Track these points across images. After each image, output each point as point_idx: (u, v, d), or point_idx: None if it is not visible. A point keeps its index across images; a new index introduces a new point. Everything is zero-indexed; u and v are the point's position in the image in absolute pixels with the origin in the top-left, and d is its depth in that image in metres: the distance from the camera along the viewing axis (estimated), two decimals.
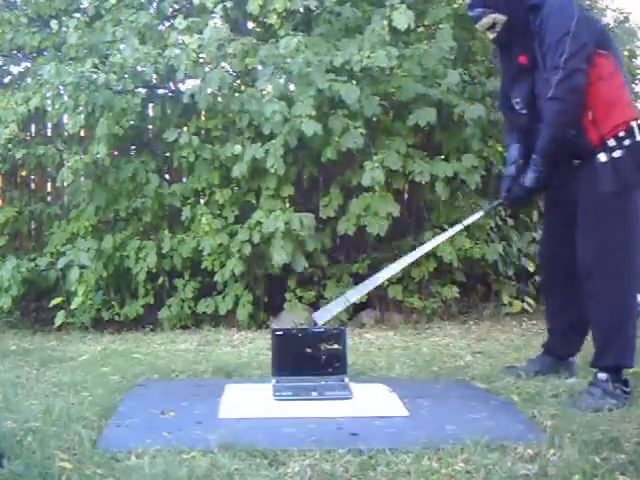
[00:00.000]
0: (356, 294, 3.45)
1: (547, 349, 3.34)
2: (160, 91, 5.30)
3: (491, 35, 3.06)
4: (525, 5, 2.94)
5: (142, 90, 5.05)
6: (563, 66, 2.78)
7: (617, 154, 2.82)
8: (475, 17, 3.04)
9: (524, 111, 3.06)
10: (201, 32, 4.59)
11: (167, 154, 5.18)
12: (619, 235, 2.86)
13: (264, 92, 4.66)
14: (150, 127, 5.35)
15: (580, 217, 2.95)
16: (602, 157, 2.84)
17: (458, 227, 3.49)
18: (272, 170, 4.59)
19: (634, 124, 2.84)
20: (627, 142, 2.82)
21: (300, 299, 4.97)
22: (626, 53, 5.70)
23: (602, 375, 2.83)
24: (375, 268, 5.14)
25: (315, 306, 5.03)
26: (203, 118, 5.06)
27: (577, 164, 2.96)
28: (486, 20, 3.00)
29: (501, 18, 2.98)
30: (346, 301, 3.34)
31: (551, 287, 3.33)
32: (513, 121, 3.18)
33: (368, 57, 4.44)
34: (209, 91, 4.68)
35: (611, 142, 2.83)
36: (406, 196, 5.32)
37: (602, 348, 2.87)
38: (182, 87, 5.09)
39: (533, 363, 3.32)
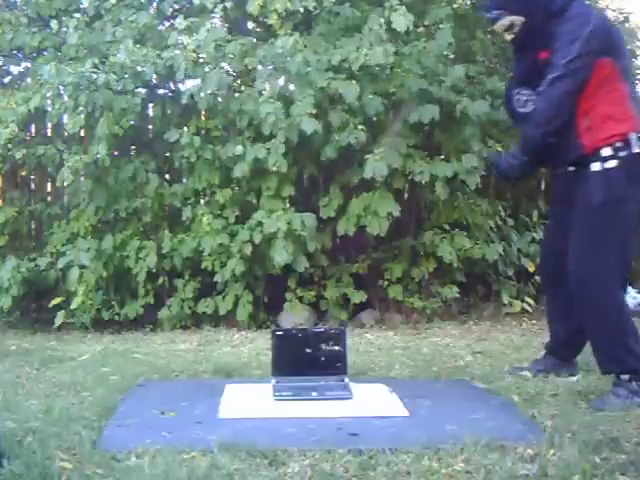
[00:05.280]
0: None
1: (550, 350, 3.34)
2: (160, 91, 5.31)
3: (509, 37, 3.05)
4: (546, 8, 2.92)
5: (142, 90, 5.05)
6: (564, 65, 2.79)
7: (610, 164, 2.82)
8: (492, 18, 3.04)
9: (523, 109, 3.05)
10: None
11: (167, 154, 5.18)
12: (606, 245, 2.85)
13: (263, 92, 4.67)
14: (150, 127, 5.35)
15: (573, 230, 2.95)
16: (595, 166, 2.84)
17: None
18: (274, 168, 4.59)
19: (633, 136, 2.83)
20: (623, 153, 2.82)
21: (300, 299, 4.97)
22: None
23: (624, 375, 2.82)
24: (375, 268, 5.16)
25: (315, 306, 5.05)
26: (203, 118, 5.06)
27: (572, 171, 2.97)
28: (503, 22, 3.00)
29: (519, 20, 2.97)
30: None
31: (551, 291, 3.33)
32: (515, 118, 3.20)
33: (365, 55, 4.44)
34: (209, 91, 4.68)
35: (606, 151, 2.83)
36: (406, 196, 5.32)
37: (612, 355, 2.85)
38: (182, 87, 5.09)
39: (538, 363, 3.32)
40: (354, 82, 4.55)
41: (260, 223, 4.64)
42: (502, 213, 5.52)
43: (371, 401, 2.76)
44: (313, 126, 4.44)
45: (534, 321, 5.07)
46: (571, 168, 2.97)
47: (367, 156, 4.56)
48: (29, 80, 5.30)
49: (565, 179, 3.03)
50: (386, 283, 5.04)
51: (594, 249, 2.87)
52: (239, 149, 4.67)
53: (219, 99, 4.88)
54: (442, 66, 4.81)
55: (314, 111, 4.47)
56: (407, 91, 4.76)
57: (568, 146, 2.90)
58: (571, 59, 2.79)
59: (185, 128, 4.86)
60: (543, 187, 5.83)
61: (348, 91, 4.47)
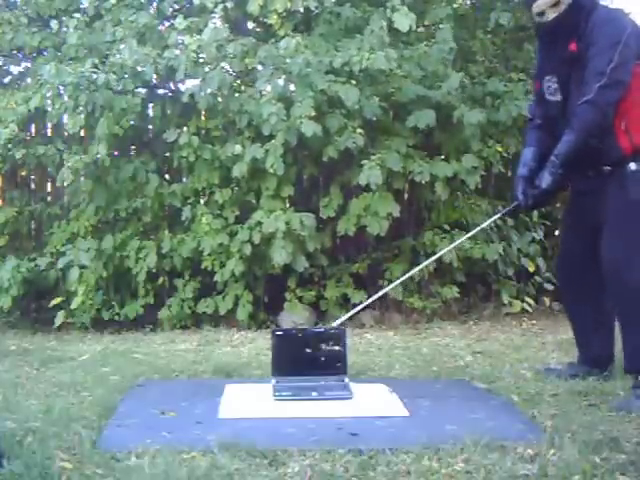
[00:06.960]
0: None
1: (583, 361, 3.25)
2: (160, 91, 5.31)
3: (553, 14, 2.94)
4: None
5: (142, 90, 5.06)
6: (609, 74, 2.80)
7: None
8: None
9: (553, 97, 3.03)
10: (201, 32, 4.59)
11: (167, 154, 5.18)
12: None
13: (263, 92, 4.67)
14: (150, 127, 5.35)
15: (608, 222, 2.95)
16: (633, 166, 2.87)
17: (476, 230, 3.73)
18: (271, 170, 4.60)
19: None
20: None
21: (300, 299, 4.97)
22: None
23: None
24: (375, 268, 5.16)
25: (315, 306, 5.04)
26: (203, 118, 5.06)
27: (607, 171, 2.95)
28: None
29: None
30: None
31: (569, 298, 3.33)
32: (541, 113, 3.15)
33: (367, 59, 4.44)
34: (209, 91, 4.68)
35: None
36: (406, 196, 5.32)
37: (637, 351, 2.85)
38: (182, 87, 5.09)
39: (572, 368, 3.24)
40: (354, 85, 4.55)
41: (259, 223, 4.64)
42: None
43: (371, 401, 2.76)
44: (313, 128, 4.44)
45: (534, 321, 5.07)
46: (607, 168, 2.96)
47: (364, 161, 4.56)
48: (29, 80, 5.30)
49: (597, 179, 2.99)
50: (386, 283, 5.03)
51: (629, 238, 2.88)
52: (238, 149, 4.67)
53: (219, 99, 4.88)
54: (443, 68, 4.81)
55: (314, 113, 4.47)
56: (404, 95, 4.76)
57: (606, 147, 2.90)
58: (615, 66, 2.79)
59: (185, 128, 4.86)
60: None
61: (349, 95, 4.47)
